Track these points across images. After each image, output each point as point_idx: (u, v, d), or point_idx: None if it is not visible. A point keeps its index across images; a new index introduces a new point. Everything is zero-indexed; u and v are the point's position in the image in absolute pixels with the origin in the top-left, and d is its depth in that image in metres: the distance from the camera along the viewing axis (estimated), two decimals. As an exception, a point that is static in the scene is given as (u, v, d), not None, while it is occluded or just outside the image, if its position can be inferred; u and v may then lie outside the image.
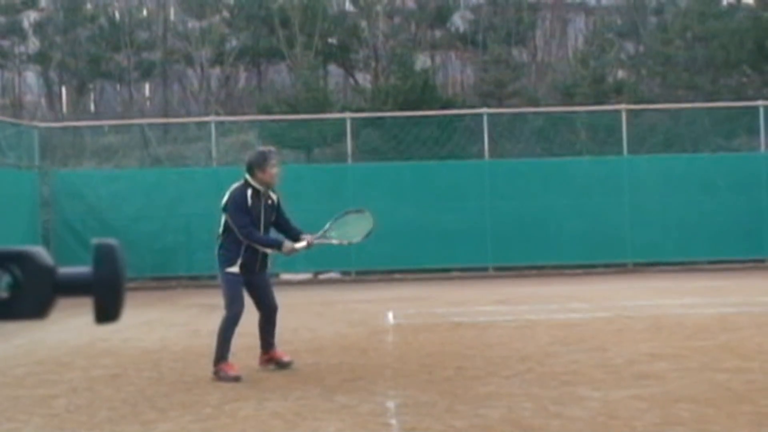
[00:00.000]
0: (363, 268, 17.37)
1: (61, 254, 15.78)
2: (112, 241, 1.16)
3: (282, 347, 7.78)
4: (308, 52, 25.20)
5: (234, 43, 27.26)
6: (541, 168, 18.10)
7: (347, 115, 19.16)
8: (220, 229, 7.46)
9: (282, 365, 7.51)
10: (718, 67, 23.71)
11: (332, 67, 28.29)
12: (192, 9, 27.54)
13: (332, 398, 6.26)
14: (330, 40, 26.93)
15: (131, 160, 21.54)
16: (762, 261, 17.74)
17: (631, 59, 27.55)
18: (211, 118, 19.60)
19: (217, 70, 27.83)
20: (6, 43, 27.42)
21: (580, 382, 6.53)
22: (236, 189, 7.37)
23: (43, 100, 28.13)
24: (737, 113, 19.91)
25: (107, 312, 1.14)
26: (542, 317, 10.57)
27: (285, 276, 16.84)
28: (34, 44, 27.72)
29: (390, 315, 11.24)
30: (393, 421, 5.58)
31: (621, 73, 27.20)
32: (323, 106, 21.70)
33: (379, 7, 26.97)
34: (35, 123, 19.52)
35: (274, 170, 7.34)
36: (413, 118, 19.37)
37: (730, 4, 26.33)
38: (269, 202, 7.40)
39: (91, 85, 28.25)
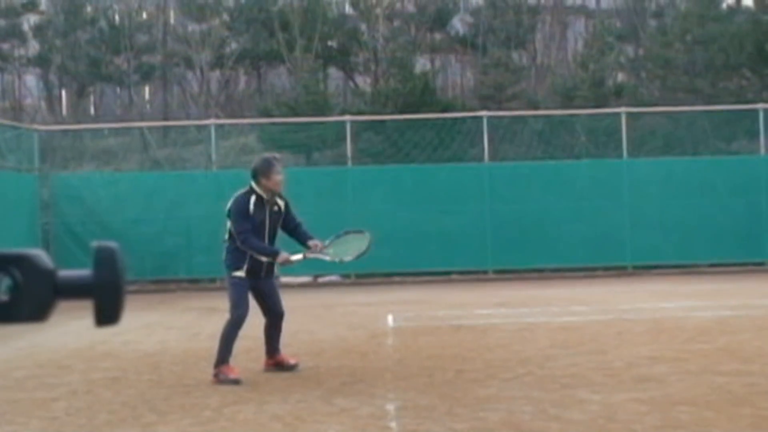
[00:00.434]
0: (363, 271, 17.35)
1: (60, 257, 15.77)
2: (112, 244, 1.17)
3: (282, 350, 7.77)
4: (308, 55, 25.23)
5: (234, 46, 27.29)
6: (540, 171, 18.10)
7: (347, 118, 19.16)
8: (226, 235, 7.47)
9: (289, 368, 7.50)
10: (718, 70, 23.73)
11: (332, 70, 28.31)
12: (192, 12, 27.56)
13: (332, 401, 6.26)
14: (330, 43, 26.96)
15: (131, 163, 21.56)
16: (761, 264, 17.74)
17: (631, 62, 27.57)
18: (211, 121, 19.61)
19: (216, 73, 27.86)
20: (6, 46, 27.45)
21: (580, 385, 6.53)
22: (240, 195, 7.38)
23: (43, 103, 28.15)
24: (737, 116, 19.93)
25: (107, 315, 1.15)
26: (542, 320, 10.57)
27: (285, 279, 16.84)
28: (34, 47, 27.76)
29: (390, 318, 11.24)
30: (393, 424, 5.57)
31: (621, 76, 27.23)
32: (323, 109, 21.72)
33: (378, 11, 26.99)
34: (35, 126, 19.53)
35: (278, 177, 7.34)
36: (413, 121, 19.38)
37: (729, 8, 26.37)
38: (275, 208, 7.40)
39: (91, 88, 28.28)
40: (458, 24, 28.78)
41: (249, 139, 22.38)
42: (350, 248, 7.52)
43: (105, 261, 1.15)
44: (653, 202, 17.71)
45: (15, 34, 27.22)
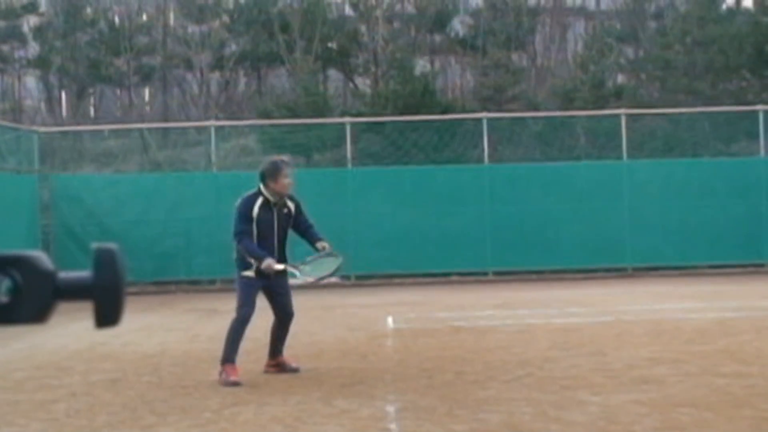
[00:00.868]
0: (363, 272, 17.36)
1: (60, 259, 15.77)
2: (112, 245, 1.17)
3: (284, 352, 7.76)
4: (308, 56, 25.24)
5: (234, 47, 27.30)
6: (540, 173, 18.11)
7: (347, 119, 19.17)
8: None
9: (290, 370, 7.50)
10: (718, 71, 23.74)
11: (332, 72, 28.31)
12: (192, 14, 27.58)
13: (332, 403, 6.26)
14: (330, 45, 26.97)
15: (131, 164, 21.55)
16: (761, 265, 17.73)
17: (631, 64, 27.58)
18: (211, 122, 19.62)
19: (216, 75, 27.88)
20: (6, 47, 27.46)
21: (580, 387, 6.53)
22: (247, 196, 7.41)
23: (42, 105, 28.16)
24: (737, 118, 19.93)
25: (107, 316, 1.15)
26: (542, 322, 10.57)
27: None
28: (34, 49, 27.77)
29: (390, 319, 11.24)
30: (393, 426, 5.57)
31: (621, 78, 27.26)
32: (323, 110, 21.72)
33: (378, 12, 27.00)
34: (35, 127, 19.54)
35: (286, 181, 7.34)
36: (413, 123, 19.39)
37: (729, 9, 26.37)
38: (284, 211, 7.40)
39: (90, 90, 28.29)
40: (458, 25, 28.79)
41: (249, 141, 22.38)
42: (323, 269, 7.48)
43: (105, 262, 1.15)
44: (653, 203, 17.71)
45: (15, 35, 27.24)
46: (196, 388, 6.98)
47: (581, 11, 30.38)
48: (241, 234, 7.26)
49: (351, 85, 28.23)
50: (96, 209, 17.36)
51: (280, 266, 7.21)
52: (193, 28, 27.78)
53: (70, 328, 9.42)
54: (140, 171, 20.61)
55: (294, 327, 8.09)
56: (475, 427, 5.46)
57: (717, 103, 21.37)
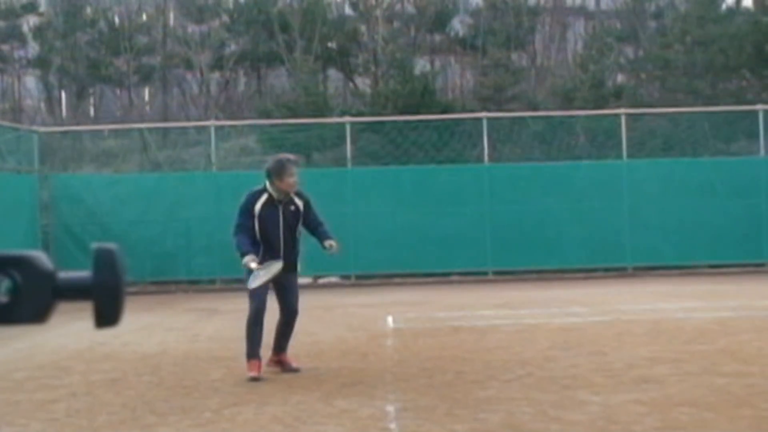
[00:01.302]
0: (363, 272, 17.37)
1: (60, 258, 15.76)
2: (111, 245, 1.16)
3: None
4: (308, 56, 25.24)
5: (233, 47, 27.31)
6: (540, 172, 18.11)
7: (347, 119, 19.17)
8: None
9: (290, 370, 7.51)
10: (718, 71, 23.74)
11: (332, 72, 28.32)
12: (191, 14, 27.59)
13: (332, 402, 6.25)
14: (329, 45, 26.97)
15: (131, 164, 21.56)
16: (761, 265, 17.74)
17: (631, 63, 27.59)
18: (211, 122, 19.62)
19: (216, 75, 27.88)
20: (6, 47, 27.46)
21: (580, 387, 6.53)
22: (252, 192, 7.47)
23: (42, 105, 28.16)
24: (736, 117, 19.93)
25: (107, 316, 1.14)
26: (542, 321, 10.57)
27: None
28: (33, 49, 27.78)
29: (390, 319, 11.24)
30: (393, 426, 5.57)
31: (620, 78, 27.26)
32: (323, 110, 21.73)
33: (378, 12, 27.00)
34: (35, 127, 19.54)
35: (291, 180, 7.35)
36: (413, 123, 19.39)
37: (729, 9, 26.37)
38: (291, 208, 7.42)
39: (90, 90, 28.30)
40: (458, 25, 28.80)
41: (249, 141, 22.39)
42: (268, 273, 7.50)
43: (105, 262, 1.15)
44: (653, 203, 17.72)
45: (15, 35, 27.25)
46: (196, 388, 6.98)
47: (581, 11, 30.38)
48: (237, 228, 7.36)
49: (351, 84, 28.23)
50: (96, 209, 17.37)
51: (254, 264, 7.21)
52: (192, 28, 27.79)
53: (70, 328, 9.41)
54: (140, 171, 20.61)
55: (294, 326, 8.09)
56: (475, 426, 5.46)
57: (717, 102, 21.37)
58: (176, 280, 17.37)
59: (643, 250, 17.64)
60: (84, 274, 1.15)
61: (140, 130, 21.57)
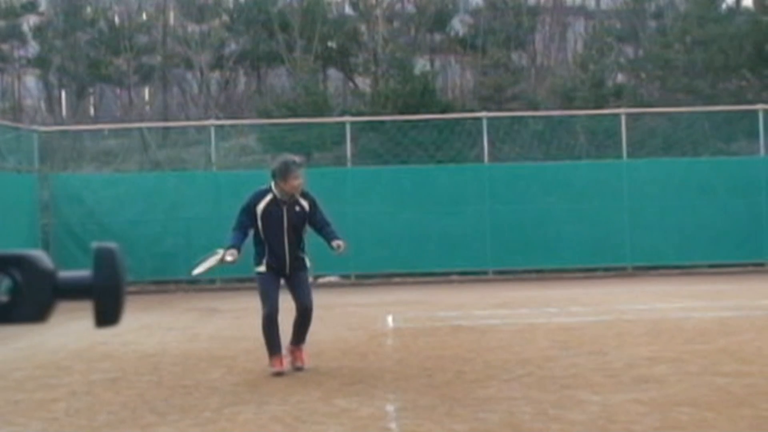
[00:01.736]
0: (362, 271, 17.37)
1: (60, 258, 15.77)
2: (111, 244, 1.17)
3: (283, 351, 7.75)
4: (308, 55, 25.23)
5: (234, 46, 27.28)
6: (540, 172, 18.11)
7: (347, 119, 19.17)
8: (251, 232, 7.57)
9: (294, 366, 7.54)
10: (718, 71, 23.73)
11: (332, 71, 28.29)
12: (191, 13, 27.56)
13: (332, 402, 6.26)
14: (329, 44, 26.94)
15: (131, 163, 21.55)
16: (761, 264, 17.74)
17: (631, 63, 27.57)
18: (211, 122, 19.62)
19: (216, 74, 27.86)
20: (6, 46, 27.44)
21: (580, 386, 6.53)
22: (256, 191, 7.54)
23: (42, 104, 28.14)
24: (736, 117, 19.93)
25: (107, 316, 1.15)
26: (542, 321, 10.57)
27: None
28: (33, 48, 27.75)
29: (389, 319, 11.24)
30: (393, 425, 5.57)
31: (620, 77, 27.23)
32: (323, 109, 21.72)
33: (378, 11, 26.98)
34: (35, 127, 19.53)
35: (295, 182, 7.37)
36: (413, 122, 19.38)
37: (729, 9, 26.36)
38: (297, 208, 7.45)
39: (90, 89, 28.27)
40: (458, 25, 28.76)
41: (249, 140, 22.39)
42: (209, 261, 7.56)
43: (105, 262, 1.15)
44: (653, 203, 17.72)
45: (15, 35, 27.21)
46: (196, 387, 6.98)
47: (581, 11, 30.35)
48: (235, 224, 7.46)
49: (351, 84, 28.22)
50: (96, 208, 17.37)
51: (229, 257, 7.32)
52: (193, 28, 27.76)
53: (70, 328, 9.42)
54: (140, 171, 20.60)
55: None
56: (475, 426, 5.46)
57: (717, 102, 21.36)
58: (176, 279, 17.36)
59: (643, 250, 17.65)
60: (84, 273, 1.15)
61: (140, 129, 21.58)
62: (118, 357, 8.70)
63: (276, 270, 7.41)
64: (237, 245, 7.38)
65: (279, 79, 28.18)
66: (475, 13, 28.57)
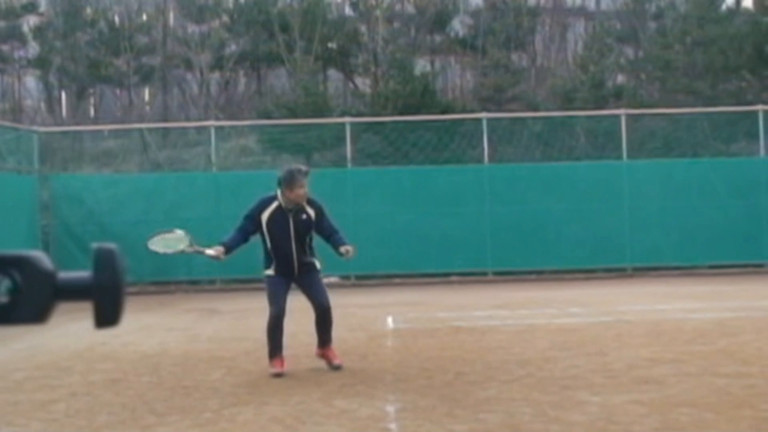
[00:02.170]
0: (362, 272, 17.36)
1: (60, 259, 15.77)
2: (111, 245, 1.16)
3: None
4: (308, 56, 25.24)
5: (234, 47, 27.29)
6: (540, 173, 18.11)
7: (347, 119, 19.17)
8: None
9: (330, 366, 7.54)
10: (718, 72, 23.74)
11: (332, 72, 28.31)
12: (191, 14, 27.58)
13: (332, 403, 6.25)
14: (330, 45, 26.95)
15: (131, 164, 21.55)
16: (761, 265, 17.74)
17: (631, 64, 27.58)
18: (211, 122, 19.62)
19: (216, 75, 27.87)
20: (6, 47, 27.45)
21: (580, 387, 6.53)
22: (263, 198, 7.55)
23: (42, 105, 28.14)
24: (736, 118, 19.94)
25: (107, 316, 1.14)
26: (542, 322, 10.56)
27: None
28: (33, 49, 27.75)
29: (389, 320, 11.24)
30: (392, 426, 5.57)
31: (620, 78, 27.24)
32: (323, 110, 21.72)
33: (378, 12, 26.99)
34: (35, 127, 19.53)
35: (300, 191, 7.39)
36: (413, 123, 19.39)
37: (729, 9, 26.37)
38: (303, 216, 7.46)
39: (90, 90, 28.28)
40: (458, 26, 28.78)
41: (249, 141, 22.39)
42: (171, 243, 7.56)
43: (105, 262, 1.15)
44: (653, 203, 17.72)
45: (15, 35, 27.22)
46: (196, 388, 6.98)
47: (581, 11, 30.37)
48: (237, 226, 7.51)
49: (351, 85, 28.23)
50: (96, 209, 17.36)
51: (212, 252, 7.37)
52: (193, 28, 27.78)
53: (70, 328, 9.41)
54: (140, 171, 20.61)
55: (293, 327, 8.11)
56: (475, 427, 5.46)
57: (717, 103, 21.37)
58: (176, 280, 17.37)
59: (643, 250, 17.65)
60: (84, 274, 1.15)
61: (140, 130, 21.57)
62: (118, 358, 8.70)
63: (283, 273, 7.43)
64: (228, 245, 7.42)
65: (279, 79, 28.19)
66: (475, 14, 28.58)
